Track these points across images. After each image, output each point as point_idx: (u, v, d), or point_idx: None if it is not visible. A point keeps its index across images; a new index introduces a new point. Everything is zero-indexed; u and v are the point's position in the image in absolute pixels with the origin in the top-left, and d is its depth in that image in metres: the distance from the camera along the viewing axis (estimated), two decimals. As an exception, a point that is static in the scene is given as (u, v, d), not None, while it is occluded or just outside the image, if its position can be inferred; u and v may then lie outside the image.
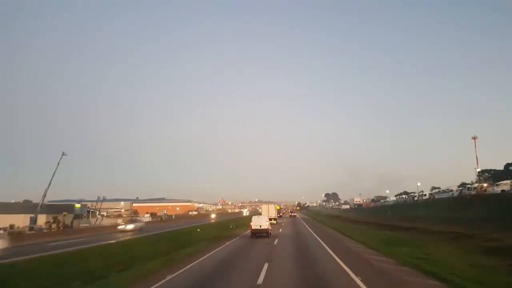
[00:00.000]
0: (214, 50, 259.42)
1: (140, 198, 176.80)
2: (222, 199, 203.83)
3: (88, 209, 71.70)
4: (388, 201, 72.98)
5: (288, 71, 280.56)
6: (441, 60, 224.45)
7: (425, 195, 55.64)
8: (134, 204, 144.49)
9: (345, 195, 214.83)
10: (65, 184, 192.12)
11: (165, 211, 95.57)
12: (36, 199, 70.95)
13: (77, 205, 68.22)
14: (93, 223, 64.69)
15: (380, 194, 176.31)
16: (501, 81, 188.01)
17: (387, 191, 79.45)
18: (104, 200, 68.97)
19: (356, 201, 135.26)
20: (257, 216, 29.08)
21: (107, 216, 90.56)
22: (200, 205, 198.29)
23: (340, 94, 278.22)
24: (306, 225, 37.75)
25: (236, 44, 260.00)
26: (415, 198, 58.34)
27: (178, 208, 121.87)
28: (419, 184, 65.65)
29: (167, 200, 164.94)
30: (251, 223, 26.71)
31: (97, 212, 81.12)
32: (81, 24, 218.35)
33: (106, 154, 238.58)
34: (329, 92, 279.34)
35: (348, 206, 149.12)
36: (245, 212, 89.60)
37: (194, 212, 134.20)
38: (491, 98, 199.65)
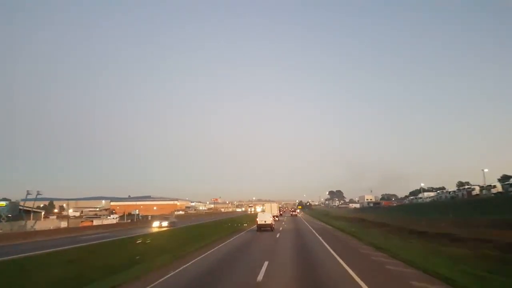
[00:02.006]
0: (211, 48, 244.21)
1: (132, 196, 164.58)
2: (219, 197, 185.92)
3: (22, 208, 53.22)
4: (422, 198, 54.33)
5: (289, 69, 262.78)
6: (447, 58, 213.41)
7: (494, 186, 37.22)
8: (112, 203, 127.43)
9: (348, 193, 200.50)
10: (61, 183, 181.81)
11: (137, 211, 77.29)
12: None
13: (1, 203, 50.34)
14: (17, 227, 46.43)
15: (387, 192, 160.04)
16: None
17: (422, 184, 60.69)
18: (37, 198, 50.42)
19: (368, 199, 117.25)
20: (262, 213, 32.92)
21: (58, 217, 72.96)
22: (193, 204, 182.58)
23: (341, 91, 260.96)
24: (326, 244, 18.44)
25: (236, 42, 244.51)
26: (474, 193, 39.93)
27: (155, 208, 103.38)
28: (482, 172, 47.21)
29: (153, 198, 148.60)
30: (257, 219, 29.73)
31: (42, 213, 63.50)
32: (77, 23, 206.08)
33: (104, 154, 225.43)
34: (330, 89, 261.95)
35: (357, 205, 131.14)
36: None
37: (180, 212, 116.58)
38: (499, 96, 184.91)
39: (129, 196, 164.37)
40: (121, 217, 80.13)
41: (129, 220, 75.19)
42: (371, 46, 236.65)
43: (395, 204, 69.00)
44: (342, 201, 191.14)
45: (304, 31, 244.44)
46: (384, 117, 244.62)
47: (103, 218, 70.49)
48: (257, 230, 28.59)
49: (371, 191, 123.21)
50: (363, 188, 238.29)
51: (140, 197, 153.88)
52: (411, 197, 61.85)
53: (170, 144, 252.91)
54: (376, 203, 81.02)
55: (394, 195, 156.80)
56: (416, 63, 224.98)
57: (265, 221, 28.86)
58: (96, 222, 62.54)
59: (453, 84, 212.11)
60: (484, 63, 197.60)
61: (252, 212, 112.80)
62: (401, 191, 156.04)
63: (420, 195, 57.68)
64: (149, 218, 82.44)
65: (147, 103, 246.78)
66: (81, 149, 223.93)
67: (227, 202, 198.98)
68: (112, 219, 69.25)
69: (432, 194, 54.53)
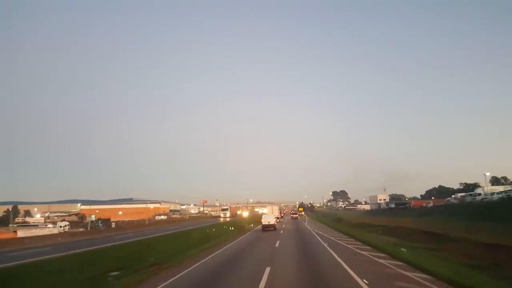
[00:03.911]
0: (210, 47, 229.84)
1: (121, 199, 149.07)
2: (216, 199, 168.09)
3: None
4: (481, 195, 37.04)
5: (290, 68, 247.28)
6: (453, 56, 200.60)
7: None
8: (83, 207, 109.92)
9: (351, 194, 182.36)
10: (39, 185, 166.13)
11: (93, 217, 59.71)
12: None
13: None
14: None
15: (394, 192, 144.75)
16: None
17: (487, 173, 43.50)
18: None
19: (381, 199, 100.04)
20: (266, 215, 37.87)
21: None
22: (183, 206, 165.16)
23: (341, 90, 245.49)
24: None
25: (236, 39, 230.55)
26: None
27: (120, 212, 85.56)
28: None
29: (134, 201, 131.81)
30: (262, 220, 34.59)
31: None
32: (74, 23, 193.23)
33: (98, 156, 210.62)
34: (330, 88, 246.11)
35: (366, 206, 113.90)
36: None
37: (162, 217, 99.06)
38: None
39: (120, 199, 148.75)
40: (85, 224, 63.31)
41: (82, 229, 57.95)
42: (377, 45, 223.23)
43: (431, 205, 51.49)
44: (347, 202, 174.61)
45: (311, 29, 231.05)
46: (386, 116, 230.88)
47: (41, 227, 52.72)
48: (262, 230, 33.08)
49: (385, 190, 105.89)
50: (367, 188, 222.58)
51: (120, 200, 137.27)
52: (461, 194, 44.61)
53: (166, 145, 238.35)
54: (400, 204, 63.12)
55: (402, 195, 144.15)
56: (423, 61, 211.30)
57: (269, 222, 33.86)
58: (23, 234, 44.75)
59: (454, 84, 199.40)
60: (495, 57, 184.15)
61: (226, 218, 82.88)
62: (409, 191, 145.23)
63: (478, 191, 39.76)
64: (113, 226, 65.67)
65: (143, 105, 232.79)
66: (72, 151, 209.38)
67: (224, 204, 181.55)
68: (53, 228, 51.48)
69: (501, 188, 37.40)
